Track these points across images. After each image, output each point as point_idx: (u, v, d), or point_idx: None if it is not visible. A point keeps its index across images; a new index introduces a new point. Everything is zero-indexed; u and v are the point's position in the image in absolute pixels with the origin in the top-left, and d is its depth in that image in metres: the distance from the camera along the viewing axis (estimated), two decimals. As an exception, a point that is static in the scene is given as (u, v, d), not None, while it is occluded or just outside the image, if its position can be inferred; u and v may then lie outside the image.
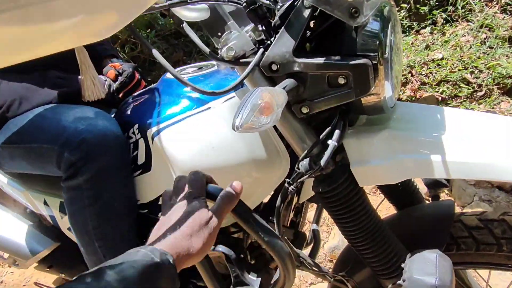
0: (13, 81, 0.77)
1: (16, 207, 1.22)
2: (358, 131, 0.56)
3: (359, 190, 0.54)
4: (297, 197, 0.74)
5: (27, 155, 0.76)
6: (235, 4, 0.50)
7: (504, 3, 2.73)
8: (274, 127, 0.61)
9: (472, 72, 2.37)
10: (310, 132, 0.53)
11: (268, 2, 0.50)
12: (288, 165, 0.64)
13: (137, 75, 0.96)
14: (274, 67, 0.48)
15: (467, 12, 2.83)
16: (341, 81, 0.46)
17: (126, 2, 0.33)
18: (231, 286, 0.65)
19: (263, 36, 0.51)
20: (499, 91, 2.28)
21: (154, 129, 0.65)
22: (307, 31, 0.51)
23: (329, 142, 0.48)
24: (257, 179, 0.64)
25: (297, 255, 0.58)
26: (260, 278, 0.64)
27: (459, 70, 2.41)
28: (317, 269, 0.60)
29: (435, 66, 2.55)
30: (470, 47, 2.55)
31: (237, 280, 0.64)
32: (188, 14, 0.52)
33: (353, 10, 0.43)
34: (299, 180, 0.51)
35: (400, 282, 0.51)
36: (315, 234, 1.03)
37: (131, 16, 0.35)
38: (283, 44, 0.48)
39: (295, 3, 0.48)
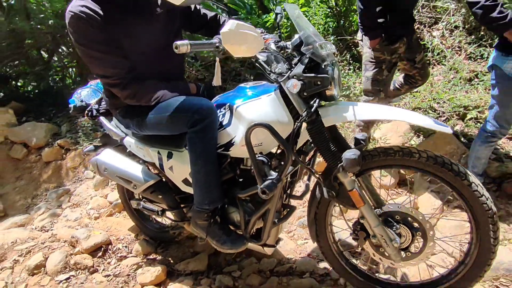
0: (162, 83, 1.59)
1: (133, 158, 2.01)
2: (326, 106, 1.35)
3: (324, 128, 1.32)
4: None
5: (168, 119, 1.51)
6: (279, 54, 1.33)
7: (469, 52, 3.49)
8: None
9: (438, 103, 3.08)
10: (308, 103, 1.32)
11: (296, 54, 1.32)
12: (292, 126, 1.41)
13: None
14: (294, 77, 1.29)
15: (442, 58, 3.60)
16: (318, 83, 1.27)
17: (257, 47, 1.18)
18: (263, 178, 1.41)
19: (291, 66, 1.32)
20: (456, 117, 2.97)
21: (236, 105, 1.46)
22: (310, 63, 1.31)
23: (314, 105, 1.28)
24: (280, 131, 1.42)
25: (295, 157, 1.36)
26: (276, 173, 1.41)
27: (428, 100, 3.13)
28: (303, 163, 1.38)
29: (411, 97, 3.29)
30: (439, 84, 3.29)
31: (266, 173, 1.41)
32: (260, 56, 1.34)
33: (323, 59, 1.25)
34: (301, 119, 1.30)
35: (340, 165, 1.29)
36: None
37: (256, 51, 1.19)
38: (298, 69, 1.29)
39: (303, 55, 1.29)
